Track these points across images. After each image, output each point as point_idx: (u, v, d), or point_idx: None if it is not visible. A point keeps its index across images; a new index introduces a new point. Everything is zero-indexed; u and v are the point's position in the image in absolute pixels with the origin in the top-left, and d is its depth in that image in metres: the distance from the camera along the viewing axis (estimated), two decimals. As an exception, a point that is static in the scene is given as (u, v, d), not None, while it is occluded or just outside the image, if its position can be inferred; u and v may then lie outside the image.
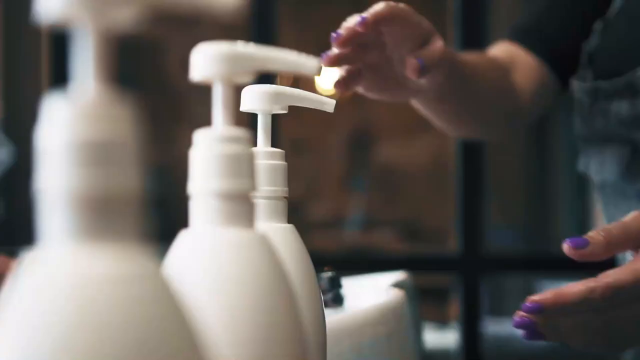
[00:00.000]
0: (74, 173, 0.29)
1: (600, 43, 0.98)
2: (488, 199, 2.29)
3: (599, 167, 1.00)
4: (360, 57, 0.86)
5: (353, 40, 0.82)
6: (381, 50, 0.87)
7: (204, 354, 0.31)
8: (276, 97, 0.58)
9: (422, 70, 0.83)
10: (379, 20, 0.81)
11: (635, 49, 0.92)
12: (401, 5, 0.84)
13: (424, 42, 0.86)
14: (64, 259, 0.29)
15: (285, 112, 0.59)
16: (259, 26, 2.02)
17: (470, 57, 1.04)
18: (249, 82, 0.47)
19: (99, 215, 0.29)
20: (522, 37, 1.09)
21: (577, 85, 0.99)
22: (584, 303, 0.68)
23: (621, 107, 0.93)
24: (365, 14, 0.81)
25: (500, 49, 1.10)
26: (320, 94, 0.62)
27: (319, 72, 0.50)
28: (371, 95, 0.91)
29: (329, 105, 0.62)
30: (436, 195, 3.93)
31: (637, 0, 0.96)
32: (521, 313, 0.69)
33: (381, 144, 4.01)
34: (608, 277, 0.68)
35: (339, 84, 0.86)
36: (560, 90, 1.08)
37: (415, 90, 0.92)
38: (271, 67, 0.47)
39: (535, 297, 0.68)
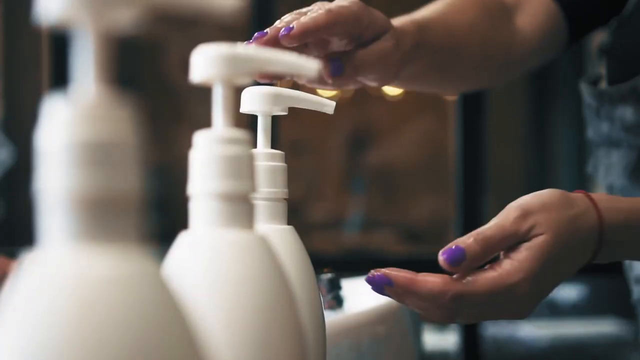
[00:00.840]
0: (74, 174, 0.29)
1: (612, 42, 0.97)
2: (487, 200, 2.28)
3: (606, 172, 0.99)
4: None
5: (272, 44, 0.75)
6: (324, 48, 0.79)
7: (203, 355, 0.31)
8: (276, 99, 0.58)
9: (333, 73, 0.76)
10: (307, 32, 0.74)
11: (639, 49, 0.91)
12: (345, 6, 0.78)
13: (375, 39, 0.81)
14: (64, 259, 0.29)
15: (285, 113, 0.59)
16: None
17: (450, 9, 0.95)
18: (248, 84, 0.47)
19: (99, 216, 0.29)
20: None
21: (585, 88, 0.97)
22: (431, 299, 0.68)
23: (625, 113, 0.92)
24: (294, 24, 0.74)
25: None
26: (320, 96, 0.62)
27: (318, 74, 0.50)
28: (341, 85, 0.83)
29: (329, 106, 0.62)
30: (436, 196, 3.93)
31: None
32: (375, 273, 0.68)
33: (380, 145, 4.01)
34: (465, 285, 0.68)
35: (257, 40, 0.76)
36: (568, 44, 1.03)
37: (387, 77, 0.85)
38: (271, 68, 0.47)
39: (392, 273, 0.68)
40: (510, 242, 0.70)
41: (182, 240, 0.42)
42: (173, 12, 0.32)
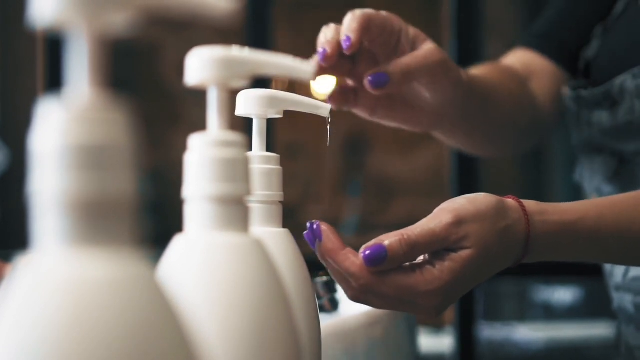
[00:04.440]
0: (68, 177, 0.29)
1: (597, 49, 0.98)
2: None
3: (591, 178, 0.99)
4: (348, 69, 0.82)
5: (338, 54, 0.78)
6: (371, 63, 0.83)
7: (198, 358, 0.31)
8: (271, 102, 0.58)
9: (376, 84, 0.79)
10: (362, 35, 0.78)
11: (624, 57, 0.92)
12: (378, 12, 0.81)
13: (411, 49, 0.82)
14: (59, 262, 0.29)
15: (280, 116, 0.59)
16: (254, 30, 2.02)
17: (484, 70, 1.01)
18: (244, 87, 0.47)
19: (94, 219, 0.29)
20: (538, 43, 1.06)
21: (565, 92, 0.99)
22: (345, 277, 0.69)
23: (602, 117, 0.93)
24: (348, 34, 0.77)
25: (516, 58, 1.07)
26: (316, 99, 0.62)
27: (314, 77, 0.50)
28: (379, 119, 0.87)
29: (324, 109, 0.62)
30: (431, 200, 3.93)
31: (634, 9, 0.96)
32: (317, 223, 0.68)
33: (376, 148, 4.01)
34: (379, 279, 0.68)
35: (332, 98, 0.82)
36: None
37: (433, 114, 0.88)
38: (266, 71, 0.47)
39: (326, 233, 0.68)
40: (437, 247, 0.70)
41: (177, 243, 0.41)
42: (168, 15, 0.32)
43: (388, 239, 0.68)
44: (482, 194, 0.74)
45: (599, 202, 0.78)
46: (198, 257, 0.41)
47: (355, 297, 0.70)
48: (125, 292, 0.29)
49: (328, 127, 0.65)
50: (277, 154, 0.58)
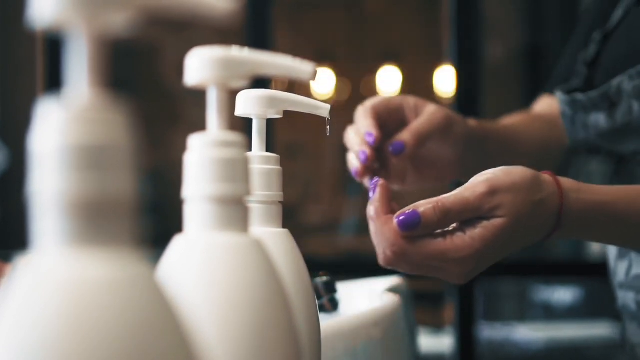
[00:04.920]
0: (68, 177, 0.29)
1: (596, 54, 1.00)
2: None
3: (587, 180, 1.00)
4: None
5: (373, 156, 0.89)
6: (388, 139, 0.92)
7: (197, 358, 0.31)
8: (271, 102, 0.58)
9: (396, 150, 0.89)
10: (378, 126, 0.90)
11: (625, 63, 0.93)
12: (378, 99, 0.93)
13: (415, 115, 0.93)
14: (58, 263, 0.29)
15: (280, 116, 0.59)
16: (254, 30, 2.02)
17: (512, 119, 1.09)
18: (243, 87, 0.47)
19: (93, 220, 0.29)
20: (559, 89, 1.10)
21: (560, 97, 1.00)
22: (381, 242, 0.73)
23: (599, 119, 0.94)
24: (369, 131, 0.89)
25: (543, 104, 1.13)
26: (315, 99, 0.62)
27: (313, 77, 0.50)
28: (410, 184, 0.97)
29: (324, 110, 0.62)
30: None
31: (635, 16, 0.97)
32: (382, 183, 0.75)
33: (376, 148, 4.01)
34: (411, 245, 0.72)
35: (358, 174, 0.91)
36: None
37: (453, 165, 0.96)
38: (266, 71, 0.47)
39: (381, 194, 0.75)
40: (470, 216, 0.72)
41: (177, 244, 0.41)
42: (168, 15, 0.32)
43: (422, 206, 0.71)
44: (519, 167, 0.75)
45: (631, 189, 0.79)
46: (198, 257, 0.41)
47: (387, 262, 0.73)
48: (125, 292, 0.29)
49: (327, 128, 0.65)
50: (277, 154, 0.58)
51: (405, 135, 0.90)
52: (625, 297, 0.97)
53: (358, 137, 0.90)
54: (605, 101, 0.93)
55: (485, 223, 0.72)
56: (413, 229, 0.71)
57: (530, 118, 1.11)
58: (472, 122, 0.97)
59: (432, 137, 0.92)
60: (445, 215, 0.71)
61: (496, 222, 0.72)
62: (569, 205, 0.75)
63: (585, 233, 0.79)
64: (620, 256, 0.97)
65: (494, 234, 0.72)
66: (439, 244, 0.72)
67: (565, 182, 0.77)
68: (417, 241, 0.71)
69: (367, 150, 0.88)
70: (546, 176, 0.76)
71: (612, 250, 0.99)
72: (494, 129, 1.00)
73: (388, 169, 0.94)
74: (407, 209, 0.72)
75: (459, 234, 0.72)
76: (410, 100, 0.93)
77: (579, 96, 0.96)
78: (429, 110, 0.93)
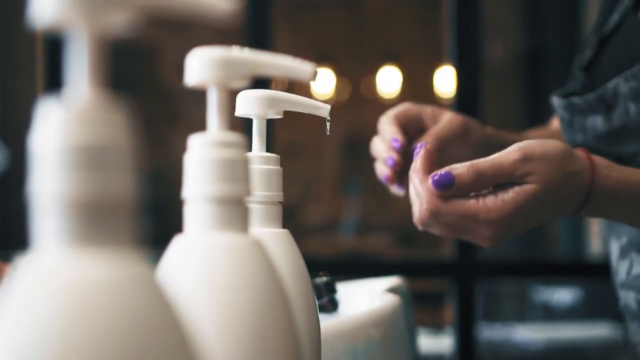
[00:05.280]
0: (68, 177, 0.29)
1: (592, 58, 1.01)
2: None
3: None
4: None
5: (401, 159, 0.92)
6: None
7: (197, 358, 0.31)
8: (271, 102, 0.58)
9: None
10: (402, 132, 0.93)
11: (622, 68, 0.93)
12: (399, 107, 0.97)
13: (433, 122, 0.97)
14: (58, 263, 0.29)
15: (280, 116, 0.59)
16: (254, 30, 2.02)
17: (533, 133, 1.12)
18: (243, 87, 0.47)
19: (93, 220, 0.29)
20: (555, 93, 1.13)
21: (556, 102, 1.01)
22: (417, 201, 0.77)
23: (596, 122, 0.95)
24: (395, 137, 0.93)
25: (556, 121, 1.15)
26: (316, 99, 0.62)
27: (313, 77, 0.50)
28: None
29: (324, 110, 0.62)
30: (431, 200, 3.92)
31: (632, 21, 0.99)
32: (426, 147, 0.79)
33: (376, 148, 4.01)
34: (445, 205, 0.75)
35: (388, 180, 0.94)
36: None
37: None
38: (266, 72, 0.47)
39: (424, 154, 0.78)
40: (502, 180, 0.75)
41: (177, 244, 0.41)
42: (167, 15, 0.32)
43: (458, 168, 0.75)
44: (553, 139, 0.78)
45: None
46: (198, 257, 0.41)
47: (422, 220, 0.77)
48: (125, 292, 0.29)
49: (327, 127, 0.65)
50: (277, 154, 0.58)
51: (427, 137, 0.93)
52: (627, 297, 0.98)
53: (384, 145, 0.93)
54: (601, 104, 0.94)
55: (517, 188, 0.74)
56: (447, 188, 0.74)
57: (548, 133, 1.14)
58: (489, 129, 1.00)
59: (451, 141, 0.95)
60: (479, 178, 0.74)
61: (527, 187, 0.74)
62: (599, 180, 0.78)
63: (613, 210, 0.81)
64: (622, 256, 0.98)
65: (525, 198, 0.74)
66: (471, 205, 0.75)
67: (597, 159, 0.79)
68: (450, 201, 0.75)
69: (395, 156, 0.91)
70: (579, 151, 0.78)
71: (613, 251, 1.00)
72: (511, 137, 1.01)
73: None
74: (443, 170, 0.75)
75: (491, 197, 0.75)
76: (428, 109, 0.97)
77: (576, 100, 0.96)
78: (447, 117, 0.96)
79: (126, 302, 0.29)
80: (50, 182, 0.29)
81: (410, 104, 0.98)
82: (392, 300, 0.92)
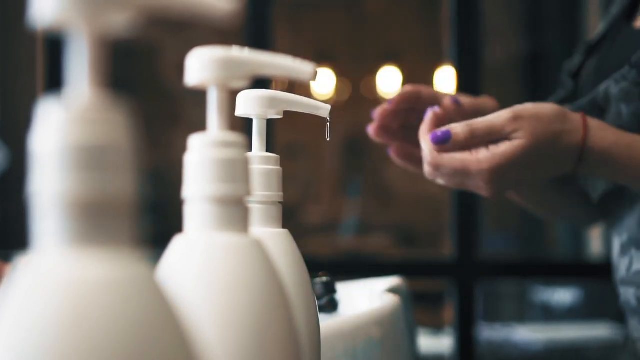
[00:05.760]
0: (68, 177, 0.29)
1: (580, 64, 1.05)
2: (482, 204, 2.29)
3: (594, 184, 1.03)
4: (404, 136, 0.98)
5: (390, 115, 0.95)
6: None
7: (197, 358, 0.31)
8: (271, 102, 0.58)
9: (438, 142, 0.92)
10: (401, 101, 0.95)
11: (612, 72, 0.96)
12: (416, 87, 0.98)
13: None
14: (58, 263, 0.29)
15: (280, 116, 0.59)
16: (254, 30, 2.02)
17: None
18: (244, 87, 0.47)
19: (93, 220, 0.29)
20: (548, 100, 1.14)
21: None
22: (424, 155, 0.86)
23: None
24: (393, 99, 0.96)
25: None
26: (316, 99, 0.62)
27: (313, 78, 0.50)
28: (408, 166, 1.00)
29: (324, 110, 0.62)
30: (431, 200, 3.93)
31: (618, 32, 1.03)
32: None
33: (376, 150, 4.01)
34: (441, 158, 0.85)
35: (373, 129, 0.96)
36: None
37: None
38: (266, 72, 0.47)
39: (430, 116, 0.88)
40: (494, 137, 0.84)
41: (177, 244, 0.41)
42: (167, 15, 0.32)
43: (453, 126, 0.84)
44: (550, 103, 0.86)
45: None
46: (198, 257, 0.41)
47: (428, 173, 0.87)
48: (124, 292, 0.29)
49: (327, 127, 0.65)
50: (277, 154, 0.58)
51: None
52: (627, 293, 0.99)
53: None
54: (594, 108, 0.95)
55: (506, 142, 0.83)
56: (444, 143, 0.84)
57: None
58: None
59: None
60: (473, 135, 0.83)
61: (515, 142, 0.83)
62: (592, 141, 0.84)
63: (608, 170, 0.87)
64: (622, 253, 0.99)
65: (513, 152, 0.83)
66: (465, 157, 0.84)
67: (592, 121, 0.86)
68: (448, 154, 0.84)
69: (381, 109, 0.94)
70: (574, 114, 0.85)
71: (615, 247, 1.02)
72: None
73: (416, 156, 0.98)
74: (443, 128, 0.85)
75: (483, 150, 0.83)
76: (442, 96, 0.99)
77: (568, 106, 0.97)
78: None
79: (126, 302, 0.29)
80: (50, 182, 0.29)
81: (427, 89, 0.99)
82: (392, 300, 0.92)
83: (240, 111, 0.58)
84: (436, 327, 2.85)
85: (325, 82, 4.37)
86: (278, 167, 0.57)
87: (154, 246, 0.38)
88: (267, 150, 0.58)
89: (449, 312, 2.43)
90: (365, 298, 0.99)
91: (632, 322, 1.01)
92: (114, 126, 0.30)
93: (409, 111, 0.95)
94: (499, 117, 0.83)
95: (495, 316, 3.64)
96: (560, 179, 1.01)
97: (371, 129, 0.96)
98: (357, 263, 2.46)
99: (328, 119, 0.64)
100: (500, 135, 0.83)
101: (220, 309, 0.40)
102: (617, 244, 1.01)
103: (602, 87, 0.95)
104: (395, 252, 4.13)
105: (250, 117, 0.58)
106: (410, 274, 1.77)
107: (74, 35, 0.30)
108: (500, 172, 0.83)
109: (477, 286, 2.12)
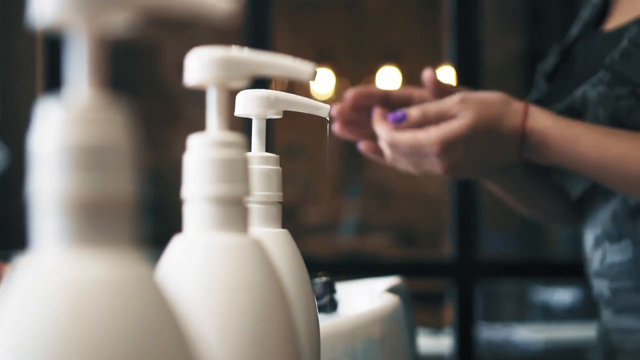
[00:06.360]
0: (67, 177, 0.29)
1: (554, 67, 1.11)
2: (482, 204, 2.29)
3: (573, 181, 1.09)
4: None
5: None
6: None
7: (197, 358, 0.31)
8: (271, 102, 0.58)
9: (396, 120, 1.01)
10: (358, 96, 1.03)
11: (584, 77, 1.01)
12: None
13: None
14: (57, 263, 0.29)
15: (280, 117, 0.59)
16: (254, 30, 2.02)
17: None
18: (243, 87, 0.47)
19: (92, 220, 0.29)
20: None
21: None
22: (381, 137, 0.98)
23: None
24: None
25: None
26: (316, 99, 0.62)
27: (313, 77, 0.50)
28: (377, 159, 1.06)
29: (324, 110, 0.62)
30: (430, 200, 3.93)
31: (589, 35, 1.10)
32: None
33: (376, 149, 4.00)
34: (394, 135, 0.96)
35: (337, 127, 1.04)
36: None
37: None
38: (266, 72, 0.47)
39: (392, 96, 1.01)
40: (443, 117, 0.94)
41: (176, 244, 0.41)
42: (167, 15, 0.32)
43: (409, 109, 0.96)
44: (498, 92, 0.97)
45: (591, 125, 0.96)
46: (197, 257, 0.41)
47: (388, 156, 0.98)
48: (124, 292, 0.29)
49: (327, 127, 0.65)
50: (277, 154, 0.58)
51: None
52: (600, 285, 1.06)
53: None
54: (572, 113, 0.99)
55: (452, 119, 0.94)
56: (401, 122, 0.95)
57: None
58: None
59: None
60: (425, 114, 0.95)
61: (460, 120, 0.94)
62: (532, 122, 0.95)
63: (549, 152, 0.95)
64: (596, 246, 1.05)
65: (458, 127, 0.93)
66: (417, 133, 0.94)
67: (534, 107, 0.96)
68: (402, 132, 0.95)
69: (337, 107, 1.02)
70: (519, 102, 0.96)
71: (588, 241, 1.07)
72: None
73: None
74: (398, 111, 0.96)
75: (433, 127, 0.94)
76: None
77: (547, 108, 1.02)
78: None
79: (126, 302, 0.29)
80: (49, 182, 0.29)
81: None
82: (391, 300, 0.92)
83: (240, 111, 0.58)
84: (436, 327, 2.85)
85: (325, 82, 4.37)
86: (278, 167, 0.57)
87: (153, 246, 0.38)
88: (267, 150, 0.58)
89: (449, 312, 2.43)
90: (365, 298, 0.99)
91: (606, 313, 1.08)
92: (114, 126, 0.30)
93: (367, 109, 1.02)
94: (450, 99, 0.95)
95: (495, 316, 3.64)
96: (536, 172, 1.08)
97: (335, 127, 1.03)
98: (357, 263, 2.46)
99: (328, 120, 0.64)
100: (447, 116, 0.94)
101: (219, 309, 0.40)
102: (590, 237, 1.06)
103: (579, 92, 0.99)
104: (395, 252, 4.13)
105: (249, 117, 0.58)
106: (410, 274, 1.78)
107: (73, 35, 0.30)
108: (448, 145, 0.93)
109: (477, 286, 2.12)
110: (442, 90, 1.00)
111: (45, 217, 0.29)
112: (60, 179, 0.29)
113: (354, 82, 4.48)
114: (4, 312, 0.29)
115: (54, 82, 1.97)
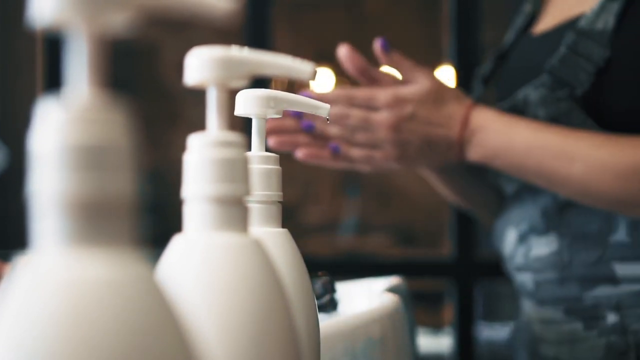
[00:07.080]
0: (67, 177, 0.29)
1: (492, 70, 1.20)
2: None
3: (506, 182, 1.15)
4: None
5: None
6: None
7: (196, 358, 0.31)
8: (271, 102, 0.58)
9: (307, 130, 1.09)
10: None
11: (521, 79, 1.09)
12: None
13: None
14: (57, 263, 0.29)
15: (280, 116, 0.59)
16: (254, 30, 2.02)
17: None
18: (243, 87, 0.47)
19: (92, 220, 0.29)
20: None
21: None
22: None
23: None
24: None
25: None
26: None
27: (313, 77, 0.50)
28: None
29: (324, 110, 0.62)
30: (430, 200, 3.93)
31: (525, 38, 1.18)
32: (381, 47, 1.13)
33: (376, 148, 4.00)
34: (350, 91, 1.08)
35: (273, 144, 1.08)
36: None
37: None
38: (266, 71, 0.47)
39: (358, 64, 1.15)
40: (373, 102, 1.04)
41: (176, 244, 0.41)
42: (167, 15, 0.32)
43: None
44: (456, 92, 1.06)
45: (537, 123, 1.03)
46: (197, 257, 0.41)
47: (337, 157, 1.12)
48: (124, 292, 0.29)
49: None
50: (276, 154, 0.58)
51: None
52: (523, 278, 1.12)
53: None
54: (513, 112, 1.06)
55: (404, 85, 1.05)
56: (310, 130, 1.07)
57: None
58: None
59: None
60: (350, 95, 1.07)
61: (413, 85, 1.04)
62: (478, 112, 1.03)
63: (489, 139, 1.02)
64: (520, 241, 1.11)
65: (409, 90, 1.04)
66: (372, 88, 1.07)
67: (481, 106, 1.04)
68: (360, 89, 1.06)
69: (271, 121, 1.04)
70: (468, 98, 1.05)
71: (509, 239, 1.14)
72: None
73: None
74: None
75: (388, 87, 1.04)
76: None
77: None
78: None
79: (125, 302, 0.29)
80: (49, 182, 0.29)
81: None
82: (391, 300, 0.92)
83: (240, 111, 0.58)
84: (436, 327, 2.85)
85: (325, 82, 4.37)
86: (277, 167, 0.57)
87: (153, 246, 0.38)
88: (267, 150, 0.58)
89: (449, 311, 2.43)
90: (365, 298, 0.99)
91: (527, 304, 1.14)
92: (114, 126, 0.30)
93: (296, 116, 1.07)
94: (405, 68, 1.08)
95: (495, 316, 3.64)
96: (474, 171, 1.15)
97: (270, 142, 1.06)
98: (357, 263, 2.46)
99: (329, 120, 0.64)
100: (400, 83, 1.05)
101: (219, 309, 0.40)
102: (512, 235, 1.13)
103: (521, 94, 1.06)
104: (394, 252, 4.13)
105: (249, 116, 0.58)
106: (410, 273, 1.78)
107: (73, 35, 0.30)
108: (399, 101, 1.03)
109: (477, 286, 2.12)
110: (363, 69, 1.09)
111: (45, 217, 0.29)
112: (60, 179, 0.29)
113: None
114: (4, 312, 0.29)
115: (54, 82, 1.97)
